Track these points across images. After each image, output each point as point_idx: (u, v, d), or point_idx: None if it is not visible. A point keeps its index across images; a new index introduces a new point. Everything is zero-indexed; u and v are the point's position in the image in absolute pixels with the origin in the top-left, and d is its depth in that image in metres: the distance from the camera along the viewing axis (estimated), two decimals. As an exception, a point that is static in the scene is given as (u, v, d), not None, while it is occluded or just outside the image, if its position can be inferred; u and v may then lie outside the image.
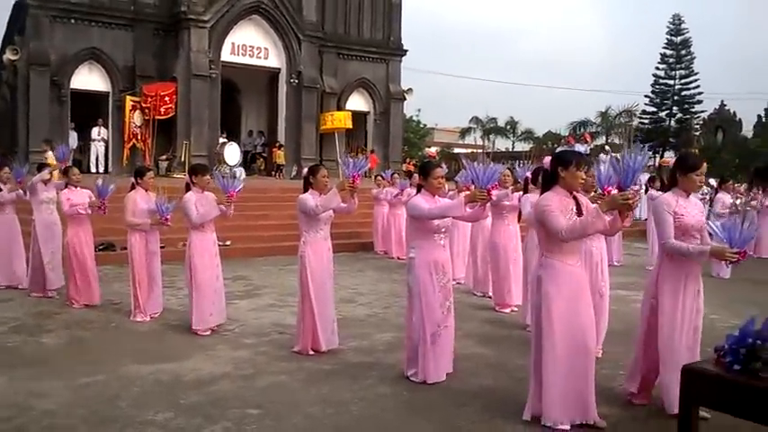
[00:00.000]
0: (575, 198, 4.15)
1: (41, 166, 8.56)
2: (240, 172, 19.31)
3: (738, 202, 11.55)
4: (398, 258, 12.02)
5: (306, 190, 5.78)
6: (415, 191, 5.56)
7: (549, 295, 4.04)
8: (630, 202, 3.79)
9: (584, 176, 4.23)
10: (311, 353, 5.69)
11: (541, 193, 4.24)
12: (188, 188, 6.62)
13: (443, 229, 5.03)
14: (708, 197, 14.47)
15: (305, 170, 6.00)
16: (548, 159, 4.33)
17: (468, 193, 4.90)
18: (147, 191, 7.23)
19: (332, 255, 5.88)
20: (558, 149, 22.99)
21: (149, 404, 4.49)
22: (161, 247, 7.50)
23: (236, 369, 5.33)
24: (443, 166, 5.44)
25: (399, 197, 12.08)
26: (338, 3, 22.99)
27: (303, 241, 5.72)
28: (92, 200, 7.61)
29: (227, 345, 6.08)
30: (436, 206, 4.89)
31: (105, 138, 19.37)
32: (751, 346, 3.08)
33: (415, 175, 12.35)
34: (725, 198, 11.52)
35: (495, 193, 5.19)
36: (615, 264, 10.89)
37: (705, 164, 4.44)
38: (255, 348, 5.96)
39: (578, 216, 4.02)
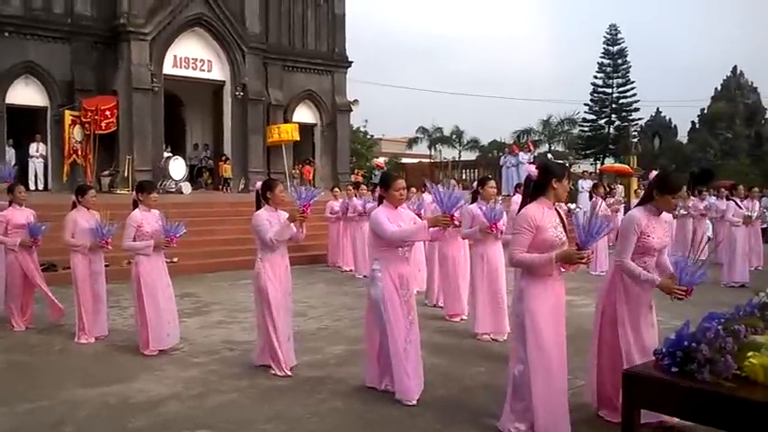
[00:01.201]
0: (557, 210, 4.18)
1: None
2: (186, 186, 19.03)
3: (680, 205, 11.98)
4: (351, 271, 12.01)
5: (259, 206, 5.66)
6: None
7: (532, 309, 4.02)
8: (584, 261, 3.95)
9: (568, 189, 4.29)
10: (286, 373, 5.54)
11: (524, 203, 4.22)
12: (135, 205, 6.49)
13: (407, 243, 5.00)
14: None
15: (258, 184, 5.82)
16: (532, 168, 4.28)
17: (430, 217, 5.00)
18: (89, 209, 7.08)
19: (289, 272, 5.77)
20: (504, 157, 23.18)
21: (96, 429, 4.40)
22: (105, 266, 7.33)
23: (186, 389, 5.25)
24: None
25: (356, 214, 11.72)
26: (281, 14, 22.91)
27: (260, 258, 5.60)
28: (23, 239, 7.33)
29: (175, 365, 5.98)
30: (399, 230, 4.80)
31: (44, 154, 18.76)
32: (686, 349, 3.21)
33: (364, 187, 12.38)
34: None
35: (457, 215, 5.17)
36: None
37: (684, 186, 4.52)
38: (205, 367, 5.89)
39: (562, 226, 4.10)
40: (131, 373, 5.66)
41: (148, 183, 6.92)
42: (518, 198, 13.50)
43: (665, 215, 4.42)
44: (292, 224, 5.51)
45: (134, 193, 6.71)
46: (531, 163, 23.12)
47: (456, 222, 5.04)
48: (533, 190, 4.19)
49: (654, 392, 3.31)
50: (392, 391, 4.93)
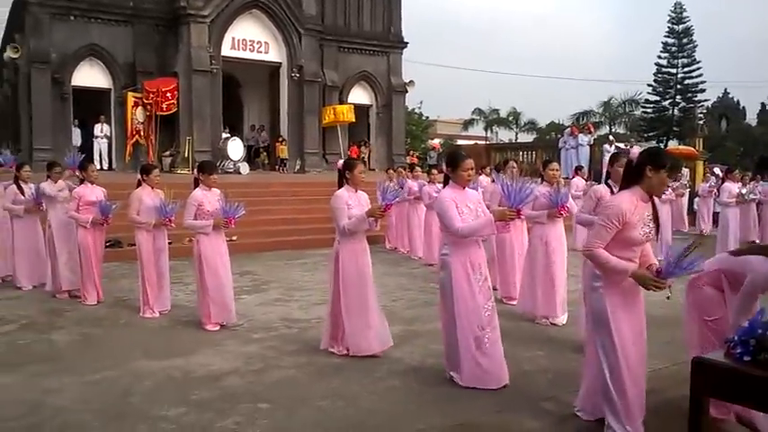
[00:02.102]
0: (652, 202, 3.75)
1: (51, 165, 8.55)
2: (244, 167, 19.35)
3: (744, 191, 11.52)
4: (407, 253, 11.91)
5: (340, 185, 5.54)
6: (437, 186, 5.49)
7: (612, 309, 3.72)
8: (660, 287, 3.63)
9: (671, 184, 3.95)
10: (344, 352, 5.51)
11: (620, 189, 3.85)
12: (196, 185, 6.62)
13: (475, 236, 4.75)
14: (715, 187, 14.42)
15: (339, 162, 5.73)
16: (636, 151, 3.88)
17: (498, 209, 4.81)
18: (153, 188, 7.26)
19: (368, 255, 5.59)
20: (564, 139, 22.63)
21: (161, 399, 4.52)
22: (168, 243, 7.52)
23: (246, 364, 5.36)
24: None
25: (412, 197, 11.41)
26: (338, -5, 22.94)
27: (337, 240, 5.48)
28: (95, 217, 7.55)
29: (235, 340, 6.10)
30: (467, 226, 4.60)
31: (108, 134, 19.39)
32: (760, 337, 3.08)
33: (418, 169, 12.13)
34: (731, 187, 11.49)
35: (525, 212, 4.98)
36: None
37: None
38: (264, 343, 5.99)
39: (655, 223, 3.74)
40: (193, 347, 5.81)
41: (209, 163, 7.04)
42: (578, 180, 13.33)
43: (659, 204, 4.29)
44: (369, 218, 5.35)
45: (195, 172, 6.82)
46: (590, 145, 22.81)
47: (523, 217, 4.90)
48: (626, 176, 3.78)
49: (724, 382, 3.19)
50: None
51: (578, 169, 14.69)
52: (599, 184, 6.23)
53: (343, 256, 5.40)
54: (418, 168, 13.16)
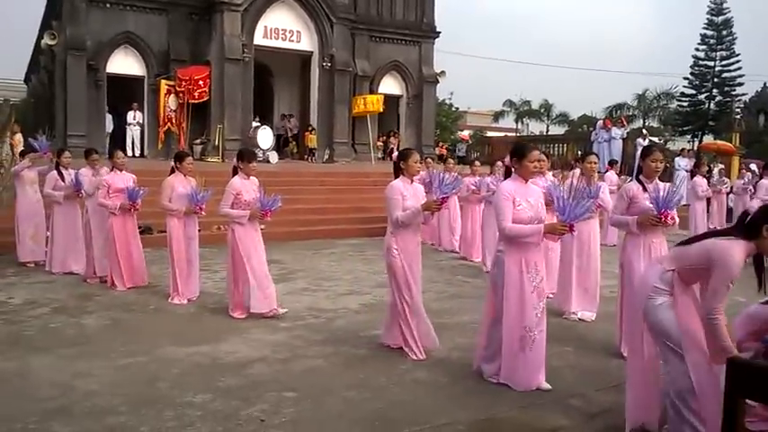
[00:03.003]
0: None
1: (88, 153, 8.68)
2: (273, 156, 19.43)
3: None
4: (432, 245, 11.59)
5: (396, 176, 5.36)
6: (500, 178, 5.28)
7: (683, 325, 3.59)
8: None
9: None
10: (422, 357, 5.25)
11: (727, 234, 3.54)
12: (234, 172, 6.59)
13: (536, 222, 4.57)
14: (750, 184, 14.08)
15: (395, 154, 5.72)
16: (755, 204, 3.68)
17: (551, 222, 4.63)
18: (185, 176, 7.31)
19: (420, 248, 5.43)
20: (596, 132, 22.33)
21: (188, 386, 4.56)
22: (198, 231, 7.57)
23: (273, 353, 5.37)
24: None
25: (474, 192, 10.25)
26: (370, -16, 22.83)
27: (390, 232, 5.29)
28: (122, 203, 7.65)
29: (263, 328, 6.13)
30: (516, 228, 4.48)
31: (140, 122, 19.62)
32: (800, 338, 2.98)
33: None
34: (768, 184, 11.20)
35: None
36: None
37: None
38: (291, 332, 6.01)
39: None
40: (221, 335, 5.85)
41: (249, 151, 6.97)
42: (612, 175, 13.08)
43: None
44: (424, 212, 5.15)
45: (234, 160, 6.80)
46: (623, 138, 22.41)
47: (574, 233, 4.77)
48: (741, 227, 3.47)
49: (760, 382, 3.09)
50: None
51: (612, 163, 14.43)
52: (631, 179, 6.05)
53: (401, 248, 5.19)
54: (450, 161, 12.87)
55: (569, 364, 5.23)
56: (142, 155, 19.47)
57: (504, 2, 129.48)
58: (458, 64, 47.00)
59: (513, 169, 4.76)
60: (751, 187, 13.41)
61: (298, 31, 20.80)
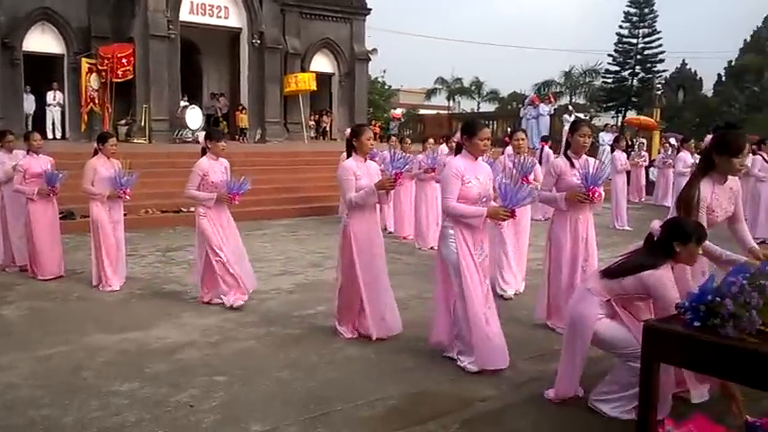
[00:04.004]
0: None
1: (3, 134, 8.15)
2: (203, 136, 18.96)
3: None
4: (398, 235, 10.52)
5: (349, 154, 5.18)
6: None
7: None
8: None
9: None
10: (354, 335, 5.21)
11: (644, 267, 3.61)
12: (203, 153, 6.30)
13: (484, 199, 4.53)
14: (670, 158, 14.66)
15: (347, 131, 5.43)
16: (656, 225, 3.67)
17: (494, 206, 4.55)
18: (109, 158, 7.03)
19: (380, 230, 5.30)
20: (524, 109, 22.71)
21: (114, 374, 4.44)
22: (124, 215, 7.33)
23: (203, 336, 5.29)
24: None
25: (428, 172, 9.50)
26: (300, -40, 22.41)
27: (345, 213, 5.15)
28: (41, 187, 7.27)
29: (193, 312, 6.02)
30: (460, 208, 4.41)
31: (61, 102, 18.78)
32: (710, 303, 3.13)
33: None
34: (686, 157, 11.69)
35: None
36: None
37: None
38: (222, 315, 5.92)
39: None
40: (148, 321, 5.71)
41: (217, 130, 6.70)
42: (548, 150, 13.33)
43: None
44: (379, 191, 4.99)
45: (202, 140, 6.50)
46: (550, 115, 22.95)
47: (516, 218, 4.71)
48: (653, 252, 3.62)
49: (675, 347, 3.24)
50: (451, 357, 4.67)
51: (545, 139, 14.75)
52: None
53: (355, 231, 5.02)
54: (393, 138, 12.70)
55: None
56: (64, 137, 18.69)
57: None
58: (390, 42, 46.94)
59: (463, 146, 4.67)
60: (670, 160, 13.98)
61: (225, 7, 20.24)
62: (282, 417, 3.81)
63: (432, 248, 9.31)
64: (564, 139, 19.47)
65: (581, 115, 20.17)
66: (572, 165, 5.23)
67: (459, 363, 4.57)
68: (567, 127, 20.34)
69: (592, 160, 5.32)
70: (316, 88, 21.95)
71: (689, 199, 3.90)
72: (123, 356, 4.81)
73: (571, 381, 3.94)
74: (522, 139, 6.95)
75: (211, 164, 6.19)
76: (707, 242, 3.79)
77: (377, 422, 3.79)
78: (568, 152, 5.33)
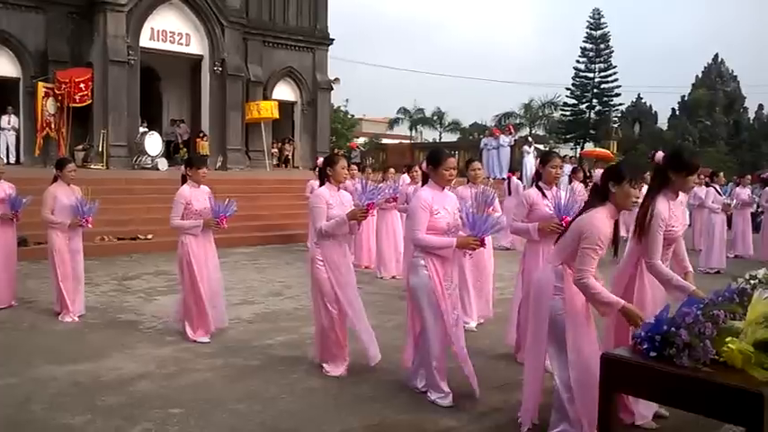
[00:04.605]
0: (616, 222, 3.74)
1: None
2: (162, 162, 18.73)
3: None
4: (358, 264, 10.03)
5: (322, 182, 5.14)
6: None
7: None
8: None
9: (638, 195, 3.78)
10: (344, 372, 5.04)
11: (585, 208, 3.77)
12: (184, 180, 6.15)
13: (453, 230, 4.49)
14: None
15: (319, 159, 5.28)
16: (598, 172, 3.92)
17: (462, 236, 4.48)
18: (69, 184, 6.83)
19: (350, 260, 5.22)
20: (485, 140, 23.06)
21: (65, 406, 4.29)
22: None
23: (159, 367, 5.15)
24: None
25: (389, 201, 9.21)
26: (263, -11, 22.54)
27: (314, 242, 5.06)
28: (3, 213, 7.01)
29: (149, 342, 5.88)
30: (428, 239, 4.37)
31: (16, 126, 18.37)
32: (665, 333, 3.18)
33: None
34: (643, 190, 11.97)
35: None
36: None
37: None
38: (179, 345, 5.78)
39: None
40: (103, 351, 5.55)
41: (198, 157, 6.54)
42: (517, 181, 13.50)
43: (681, 196, 4.15)
44: (350, 221, 4.93)
45: (182, 168, 6.35)
46: (510, 146, 23.30)
47: (486, 247, 4.77)
48: (594, 195, 3.77)
49: (632, 376, 3.28)
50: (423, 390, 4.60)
51: (513, 171, 15.01)
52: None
53: (325, 260, 4.94)
54: (369, 170, 12.66)
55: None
56: (18, 161, 18.24)
57: (401, 12, 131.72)
58: (353, 71, 47.32)
59: (429, 176, 4.64)
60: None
61: (187, 34, 20.18)
62: (240, 450, 3.72)
63: (393, 278, 9.34)
64: (522, 170, 19.72)
65: (540, 146, 20.55)
66: (544, 195, 5.28)
67: (428, 396, 4.52)
68: (526, 158, 20.83)
69: (562, 191, 5.40)
70: (278, 116, 21.95)
71: (645, 214, 3.97)
72: (75, 388, 4.65)
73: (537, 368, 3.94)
74: (479, 169, 6.98)
75: (193, 191, 6.03)
76: (659, 263, 3.90)
77: (336, 455, 3.73)
78: (540, 183, 5.39)
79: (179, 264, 6.01)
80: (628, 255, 4.23)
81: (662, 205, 3.96)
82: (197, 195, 6.03)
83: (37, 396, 4.48)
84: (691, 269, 4.20)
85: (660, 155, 4.25)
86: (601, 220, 3.62)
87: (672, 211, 4.02)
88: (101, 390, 4.62)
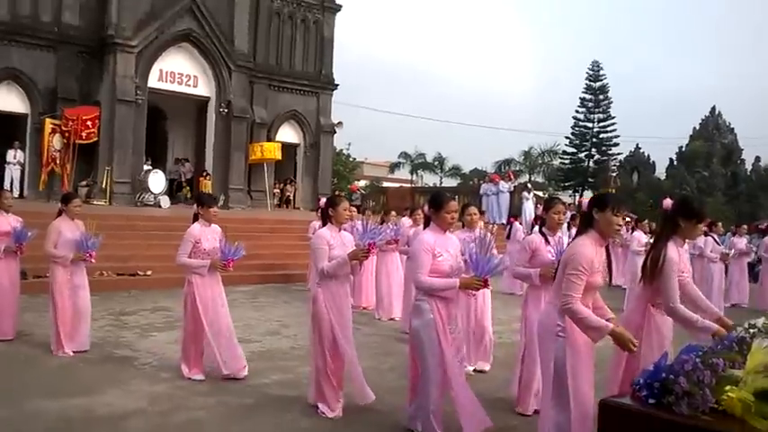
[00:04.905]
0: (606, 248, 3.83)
1: None
2: (165, 200, 18.83)
3: (652, 241, 12.03)
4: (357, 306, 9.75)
5: (324, 223, 5.19)
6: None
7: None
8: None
9: (621, 223, 3.80)
10: (339, 414, 4.97)
11: (575, 236, 3.86)
12: (195, 219, 6.10)
13: (456, 272, 4.49)
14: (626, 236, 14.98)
15: (322, 200, 5.44)
16: (586, 199, 4.12)
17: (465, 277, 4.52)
18: (73, 219, 6.84)
19: (350, 300, 5.24)
20: (485, 185, 23.22)
21: (56, 443, 4.24)
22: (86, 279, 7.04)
23: (152, 404, 5.10)
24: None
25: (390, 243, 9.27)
26: (270, 34, 22.99)
27: (317, 282, 5.03)
28: (7, 245, 7.02)
29: (143, 379, 5.83)
30: (430, 282, 4.36)
31: (21, 161, 18.51)
32: (664, 381, 3.17)
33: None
34: (640, 236, 12.00)
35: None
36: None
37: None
38: (173, 383, 5.73)
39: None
40: (97, 387, 5.50)
41: (208, 195, 6.51)
42: (518, 226, 13.56)
43: (686, 244, 4.24)
44: (352, 262, 4.93)
45: (195, 207, 6.29)
46: (510, 192, 23.47)
47: (490, 287, 4.74)
48: (581, 223, 3.88)
49: (630, 424, 3.25)
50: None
51: (515, 216, 15.09)
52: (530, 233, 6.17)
53: (325, 301, 4.93)
54: (368, 213, 12.76)
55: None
56: (21, 195, 18.32)
57: (402, 58, 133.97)
58: (356, 115, 47.92)
59: (430, 219, 4.66)
60: (624, 240, 14.25)
61: (195, 76, 20.52)
62: (231, 491, 3.66)
63: (391, 319, 9.31)
64: (522, 216, 19.76)
65: (540, 193, 20.67)
66: (547, 241, 5.27)
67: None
68: (525, 204, 20.93)
69: (565, 237, 5.41)
70: (281, 157, 22.13)
71: (657, 259, 3.95)
72: (66, 423, 4.60)
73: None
74: (474, 214, 6.94)
75: (203, 230, 5.96)
76: (680, 306, 3.88)
77: (330, 498, 3.66)
78: (543, 229, 5.39)
79: (183, 301, 5.95)
80: (635, 302, 4.22)
81: (672, 251, 3.97)
82: (207, 234, 5.98)
83: (27, 430, 4.43)
84: (717, 311, 4.12)
85: (669, 202, 4.31)
86: (584, 246, 3.66)
87: (681, 258, 4.04)
88: (92, 425, 4.58)
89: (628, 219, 18.13)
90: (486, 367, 6.60)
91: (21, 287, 8.42)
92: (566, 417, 3.65)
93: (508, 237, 13.65)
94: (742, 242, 12.50)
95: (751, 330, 3.65)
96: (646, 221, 13.79)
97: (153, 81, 19.55)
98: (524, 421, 5.06)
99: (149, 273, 11.66)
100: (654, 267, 3.97)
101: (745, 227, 13.86)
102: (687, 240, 4.27)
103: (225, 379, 5.74)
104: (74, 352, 6.58)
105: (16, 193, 18.23)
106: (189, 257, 5.89)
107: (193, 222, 6.05)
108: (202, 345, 5.88)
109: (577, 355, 3.70)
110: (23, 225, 7.22)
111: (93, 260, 6.78)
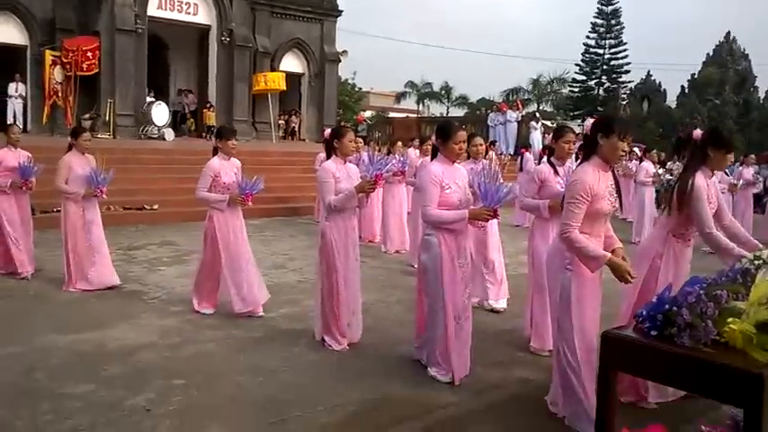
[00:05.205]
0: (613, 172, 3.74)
1: None
2: (169, 133, 18.70)
3: (660, 171, 11.93)
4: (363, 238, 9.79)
5: (329, 155, 5.08)
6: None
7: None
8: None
9: (625, 148, 3.69)
10: (344, 347, 5.01)
11: (579, 164, 3.77)
12: (215, 152, 5.98)
13: (464, 205, 4.40)
14: (635, 166, 14.86)
15: (326, 131, 5.20)
16: (589, 123, 3.86)
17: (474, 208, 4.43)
18: (83, 153, 6.76)
19: (357, 235, 5.17)
20: (493, 115, 22.92)
21: (68, 376, 4.33)
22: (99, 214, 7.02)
23: (162, 338, 5.19)
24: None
25: (396, 175, 9.43)
26: (271, -41, 22.25)
27: (325, 217, 5.00)
28: (14, 180, 7.00)
29: (153, 313, 5.91)
30: (438, 213, 4.29)
31: (23, 94, 18.31)
32: (667, 312, 3.17)
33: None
34: (648, 167, 11.90)
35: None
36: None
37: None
38: (182, 317, 5.82)
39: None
40: (107, 321, 5.59)
41: (227, 128, 6.38)
42: (528, 156, 13.44)
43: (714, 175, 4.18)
44: (359, 194, 4.88)
45: (213, 139, 6.19)
46: (518, 122, 23.20)
47: (499, 218, 4.63)
48: (583, 149, 3.77)
49: (632, 355, 3.27)
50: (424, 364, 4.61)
51: (527, 147, 14.89)
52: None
53: (333, 235, 4.91)
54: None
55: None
56: (25, 130, 18.21)
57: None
58: (361, 44, 46.92)
59: (438, 150, 4.55)
60: (631, 171, 14.14)
61: (195, 4, 19.98)
62: (240, 422, 3.76)
63: (398, 252, 9.36)
64: (535, 146, 19.54)
65: (548, 122, 20.40)
66: (556, 172, 5.12)
67: (429, 372, 4.51)
68: (533, 133, 20.69)
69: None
70: (285, 88, 21.80)
71: (684, 188, 3.93)
72: (78, 358, 4.69)
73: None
74: (480, 145, 6.69)
75: (223, 164, 5.87)
76: (716, 233, 3.87)
77: (336, 428, 3.76)
78: (552, 159, 5.22)
79: (204, 235, 5.92)
80: (656, 230, 4.23)
81: (701, 180, 3.94)
82: (226, 168, 5.88)
83: (41, 365, 4.52)
84: (757, 243, 4.05)
85: (698, 132, 4.22)
86: (585, 173, 3.60)
87: (709, 188, 4.01)
88: (104, 360, 4.66)
89: (635, 148, 17.94)
90: (502, 304, 6.33)
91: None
92: (573, 344, 3.69)
93: (521, 169, 13.53)
94: (749, 172, 12.36)
95: (756, 262, 3.63)
96: (654, 151, 13.62)
97: (152, 9, 19.04)
98: (530, 356, 5.13)
99: (156, 207, 11.71)
100: (681, 196, 3.94)
101: (753, 156, 13.63)
102: (721, 170, 4.21)
103: (236, 315, 5.80)
104: (105, 288, 6.61)
105: (20, 126, 18.12)
106: (209, 191, 5.83)
107: (213, 156, 5.95)
108: (218, 281, 5.90)
109: (583, 288, 3.71)
110: (31, 160, 7.16)
111: (104, 196, 6.74)
